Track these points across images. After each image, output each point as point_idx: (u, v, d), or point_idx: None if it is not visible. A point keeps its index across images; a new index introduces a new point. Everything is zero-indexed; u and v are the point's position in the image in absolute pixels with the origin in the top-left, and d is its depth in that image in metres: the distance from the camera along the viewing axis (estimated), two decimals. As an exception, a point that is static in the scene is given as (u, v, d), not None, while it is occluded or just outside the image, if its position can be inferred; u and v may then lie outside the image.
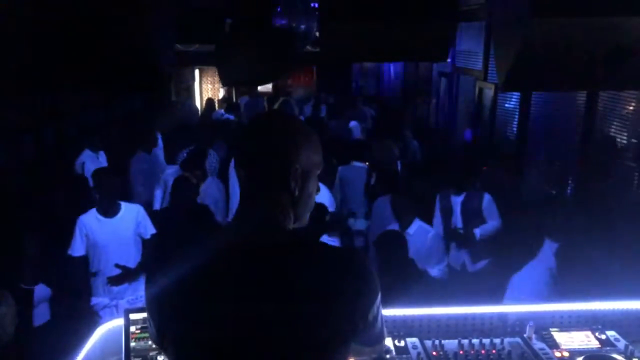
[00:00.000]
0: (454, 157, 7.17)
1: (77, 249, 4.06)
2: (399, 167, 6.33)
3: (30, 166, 6.35)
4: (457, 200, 4.68)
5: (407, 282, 3.43)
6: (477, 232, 4.54)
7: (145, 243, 4.22)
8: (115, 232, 4.08)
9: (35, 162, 6.47)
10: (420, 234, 4.24)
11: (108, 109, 8.88)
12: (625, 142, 5.04)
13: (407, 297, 2.82)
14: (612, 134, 5.21)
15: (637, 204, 4.70)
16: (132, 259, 4.14)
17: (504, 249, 4.43)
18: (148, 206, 5.38)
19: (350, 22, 3.58)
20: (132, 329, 2.09)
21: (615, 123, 5.16)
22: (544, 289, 3.62)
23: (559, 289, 3.59)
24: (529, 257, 3.65)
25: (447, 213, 4.73)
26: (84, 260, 4.09)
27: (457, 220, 4.66)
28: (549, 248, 3.69)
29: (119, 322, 2.15)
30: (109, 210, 4.11)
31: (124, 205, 4.21)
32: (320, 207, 4.04)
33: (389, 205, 4.69)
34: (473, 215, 4.59)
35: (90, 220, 4.09)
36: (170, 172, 5.58)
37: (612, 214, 4.16)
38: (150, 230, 4.25)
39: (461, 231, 4.61)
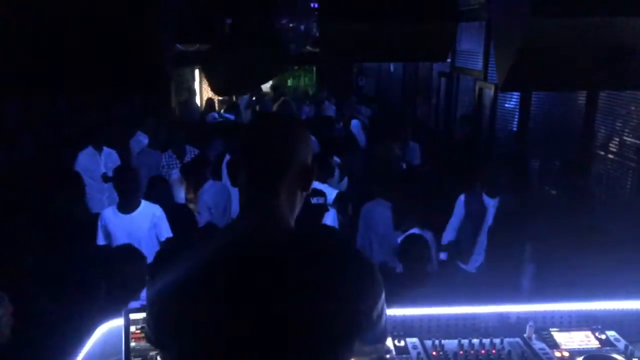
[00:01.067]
0: (484, 158, 7.09)
1: (101, 239, 4.25)
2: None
3: (30, 166, 6.35)
4: (490, 203, 4.54)
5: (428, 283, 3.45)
6: None
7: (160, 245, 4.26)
8: (130, 228, 4.16)
9: (35, 162, 6.46)
10: None
11: (108, 109, 8.87)
12: (626, 142, 5.04)
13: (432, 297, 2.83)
14: (611, 133, 5.22)
15: (631, 205, 4.70)
16: None
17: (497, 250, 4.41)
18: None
19: (350, 22, 3.58)
20: (132, 329, 2.09)
21: (615, 123, 5.17)
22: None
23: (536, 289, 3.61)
24: (516, 259, 3.67)
25: (478, 215, 4.58)
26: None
27: (488, 225, 4.52)
28: (529, 254, 3.70)
29: (119, 322, 2.15)
30: (127, 207, 4.23)
31: (143, 203, 4.30)
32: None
33: (377, 208, 4.68)
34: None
35: (109, 214, 4.24)
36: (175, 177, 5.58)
37: (596, 214, 4.15)
38: (165, 233, 4.28)
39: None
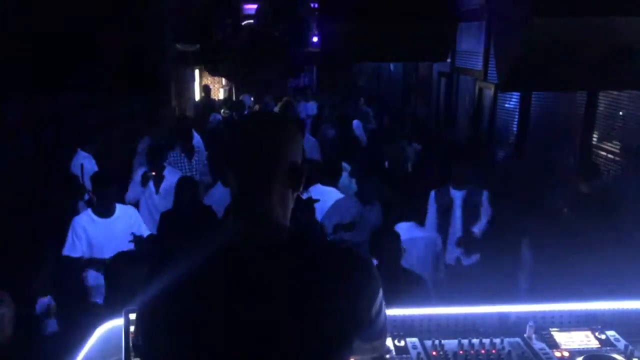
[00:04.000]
0: (451, 152, 7.15)
1: (71, 249, 4.04)
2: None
3: (30, 166, 6.34)
4: (457, 195, 4.61)
5: (402, 285, 3.39)
6: (476, 230, 4.52)
7: (141, 241, 4.09)
8: (111, 232, 4.07)
9: (35, 162, 6.46)
10: (413, 243, 4.10)
11: (108, 109, 8.87)
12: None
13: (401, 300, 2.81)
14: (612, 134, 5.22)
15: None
16: None
17: (494, 247, 4.42)
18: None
19: (351, 22, 3.58)
20: (132, 329, 2.09)
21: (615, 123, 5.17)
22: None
23: (533, 288, 3.61)
24: (516, 256, 3.67)
25: (446, 209, 4.66)
26: (79, 260, 4.06)
27: (456, 217, 4.61)
28: (525, 247, 3.70)
29: (119, 322, 2.14)
30: (106, 211, 4.14)
31: (118, 207, 4.24)
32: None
33: (345, 203, 4.70)
34: (473, 212, 4.57)
35: (85, 221, 4.10)
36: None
37: (613, 214, 4.15)
38: (145, 231, 4.26)
39: (474, 233, 4.54)
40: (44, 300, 3.59)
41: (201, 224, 4.40)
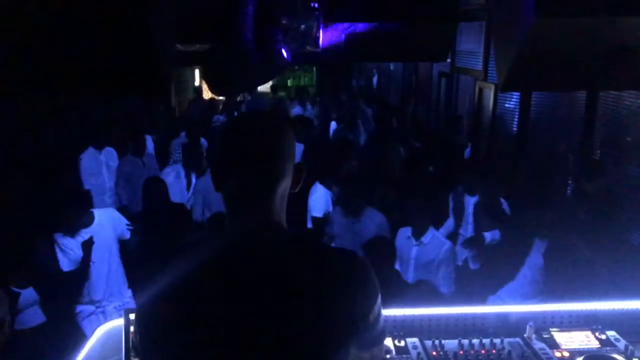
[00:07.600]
0: (466, 157, 7.18)
1: (63, 264, 3.88)
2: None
3: (30, 166, 6.34)
4: (470, 201, 4.72)
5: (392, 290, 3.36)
6: (488, 236, 4.51)
7: (126, 243, 4.03)
8: (95, 241, 3.89)
9: (35, 162, 6.46)
10: (435, 245, 4.02)
11: (108, 108, 8.87)
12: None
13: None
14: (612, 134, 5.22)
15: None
16: (114, 262, 4.03)
17: (497, 251, 4.44)
18: (124, 210, 5.16)
19: (350, 22, 3.59)
20: (132, 329, 2.09)
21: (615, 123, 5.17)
22: (530, 289, 3.64)
23: (545, 288, 3.63)
24: (520, 259, 3.70)
25: (458, 212, 4.81)
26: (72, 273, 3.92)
27: (468, 221, 4.71)
28: (537, 248, 3.72)
29: (119, 322, 2.15)
30: (78, 226, 3.89)
31: (96, 212, 4.02)
32: None
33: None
34: (485, 218, 4.58)
35: (64, 237, 3.89)
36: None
37: (615, 214, 4.14)
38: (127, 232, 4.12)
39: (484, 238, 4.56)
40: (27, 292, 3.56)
41: (174, 223, 4.35)
